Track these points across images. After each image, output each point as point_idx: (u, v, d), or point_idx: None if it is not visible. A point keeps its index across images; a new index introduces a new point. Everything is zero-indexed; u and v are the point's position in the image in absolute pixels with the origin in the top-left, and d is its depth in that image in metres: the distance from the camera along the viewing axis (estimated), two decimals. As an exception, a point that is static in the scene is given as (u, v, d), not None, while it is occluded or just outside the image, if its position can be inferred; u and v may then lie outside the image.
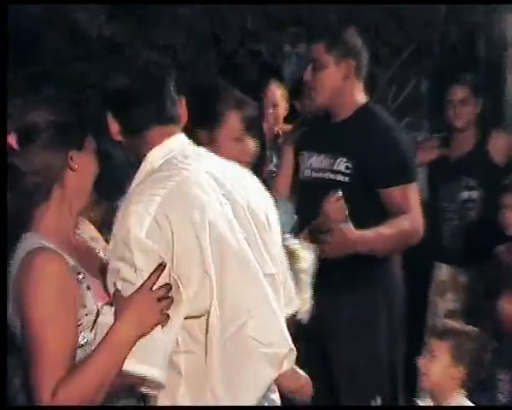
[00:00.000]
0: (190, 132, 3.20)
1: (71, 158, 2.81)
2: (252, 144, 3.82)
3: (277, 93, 6.25)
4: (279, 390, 3.44)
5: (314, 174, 4.64)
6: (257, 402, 3.10)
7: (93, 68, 7.47)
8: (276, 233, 3.32)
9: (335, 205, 4.47)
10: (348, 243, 4.41)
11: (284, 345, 3.14)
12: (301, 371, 3.68)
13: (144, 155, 3.02)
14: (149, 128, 3.01)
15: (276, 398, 3.35)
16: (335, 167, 4.61)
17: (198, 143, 3.23)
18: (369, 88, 7.10)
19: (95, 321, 2.76)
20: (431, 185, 6.58)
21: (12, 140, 2.79)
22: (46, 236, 2.78)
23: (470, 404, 4.14)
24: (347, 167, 4.54)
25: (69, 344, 2.68)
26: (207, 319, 2.94)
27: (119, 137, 3.08)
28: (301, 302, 3.93)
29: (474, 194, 6.09)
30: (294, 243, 4.24)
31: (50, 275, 2.69)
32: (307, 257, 4.25)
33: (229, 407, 3.00)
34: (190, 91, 3.77)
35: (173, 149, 3.06)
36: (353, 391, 4.65)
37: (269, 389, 3.21)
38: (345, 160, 4.58)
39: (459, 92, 6.32)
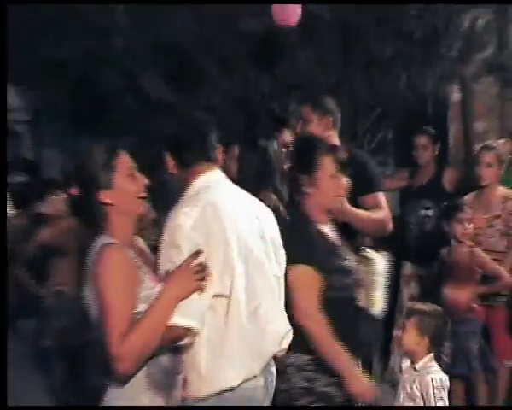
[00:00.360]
0: (294, 178, 3.66)
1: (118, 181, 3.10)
2: (345, 181, 3.80)
3: (287, 138, 6.02)
4: (347, 393, 3.61)
5: None
6: (260, 371, 3.34)
7: (155, 123, 7.70)
8: (281, 247, 3.59)
9: None
10: (344, 210, 4.41)
11: (284, 326, 3.49)
12: (365, 378, 3.76)
13: (190, 183, 3.40)
14: (195, 165, 3.41)
15: (274, 371, 3.52)
16: None
17: (301, 185, 3.63)
18: (352, 136, 7.97)
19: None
20: (400, 205, 6.77)
21: (74, 190, 3.12)
22: (112, 237, 3.04)
23: (437, 366, 4.19)
24: None
25: (130, 310, 2.90)
26: (229, 299, 3.21)
27: (174, 171, 3.47)
28: (376, 301, 4.28)
29: (430, 212, 6.34)
30: (369, 251, 4.48)
31: (116, 261, 2.93)
32: (380, 261, 4.46)
33: (228, 406, 3.17)
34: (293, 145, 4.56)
35: (211, 179, 3.41)
36: None
37: (269, 363, 3.45)
38: None
39: (421, 140, 6.60)
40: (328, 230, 3.67)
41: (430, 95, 8.03)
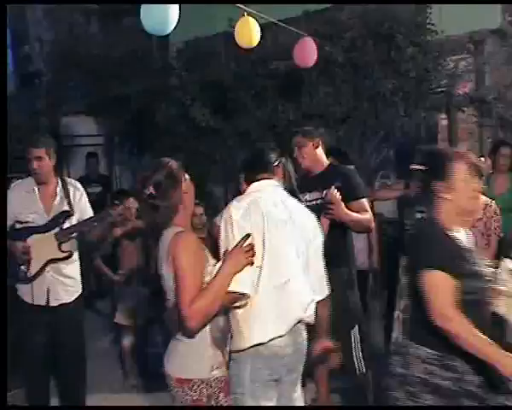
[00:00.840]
0: (429, 185, 3.42)
1: (182, 188, 3.17)
2: (480, 183, 3.41)
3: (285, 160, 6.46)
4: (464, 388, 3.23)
5: (308, 203, 4.56)
6: (286, 331, 3.35)
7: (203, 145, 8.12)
8: (315, 240, 3.60)
9: (334, 193, 4.60)
10: (341, 212, 4.58)
11: (308, 298, 3.48)
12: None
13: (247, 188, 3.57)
14: (257, 177, 3.57)
15: (304, 335, 3.53)
16: (322, 196, 4.74)
17: (436, 192, 3.36)
18: (361, 155, 7.96)
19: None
20: (399, 210, 6.64)
21: (151, 190, 3.11)
22: (180, 226, 3.11)
23: None
24: (336, 186, 4.65)
25: (199, 281, 3.00)
26: (260, 272, 3.29)
27: (243, 186, 3.62)
28: None
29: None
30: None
31: (190, 242, 3.04)
32: None
33: (227, 406, 3.14)
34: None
35: (261, 185, 3.54)
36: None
37: (299, 327, 3.46)
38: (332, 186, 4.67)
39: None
40: (462, 235, 3.42)
41: (423, 121, 8.04)
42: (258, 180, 3.57)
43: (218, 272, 3.06)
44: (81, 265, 5.03)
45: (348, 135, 7.87)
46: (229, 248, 3.20)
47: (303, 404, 3.61)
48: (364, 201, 4.93)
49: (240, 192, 3.62)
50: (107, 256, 6.25)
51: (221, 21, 7.81)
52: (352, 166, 5.59)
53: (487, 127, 8.30)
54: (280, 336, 3.35)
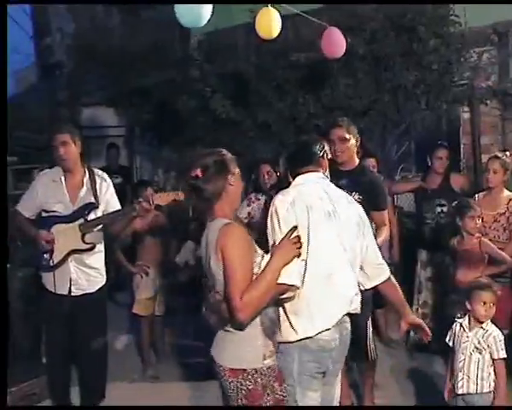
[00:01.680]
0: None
1: (229, 178, 3.17)
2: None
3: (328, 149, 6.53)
4: None
5: None
6: (333, 325, 3.37)
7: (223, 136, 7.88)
8: (362, 231, 3.57)
9: None
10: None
11: (353, 292, 3.49)
12: None
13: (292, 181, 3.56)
14: (302, 170, 3.57)
15: (348, 327, 3.53)
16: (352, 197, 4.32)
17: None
18: (382, 147, 7.93)
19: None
20: (417, 203, 6.67)
21: (198, 172, 3.12)
22: (225, 218, 3.12)
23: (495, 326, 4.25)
24: (358, 198, 4.50)
25: (249, 272, 3.02)
26: (305, 265, 3.29)
27: (286, 176, 3.63)
28: None
29: (444, 208, 6.17)
30: None
31: (241, 234, 3.06)
32: None
33: (228, 406, 3.17)
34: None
35: (307, 178, 3.54)
36: None
37: (344, 320, 3.48)
38: (356, 194, 4.60)
39: (440, 152, 6.42)
40: None
41: (445, 114, 8.02)
42: (304, 173, 3.57)
43: (267, 265, 3.06)
44: (105, 256, 5.06)
45: (369, 128, 7.76)
46: (277, 242, 3.22)
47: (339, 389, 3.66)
48: (385, 213, 4.96)
49: (285, 186, 3.61)
50: (126, 247, 6.27)
51: (242, 13, 7.80)
52: (379, 175, 5.56)
53: (510, 120, 8.20)
54: (327, 330, 3.37)
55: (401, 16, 7.35)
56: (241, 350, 3.10)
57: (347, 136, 4.88)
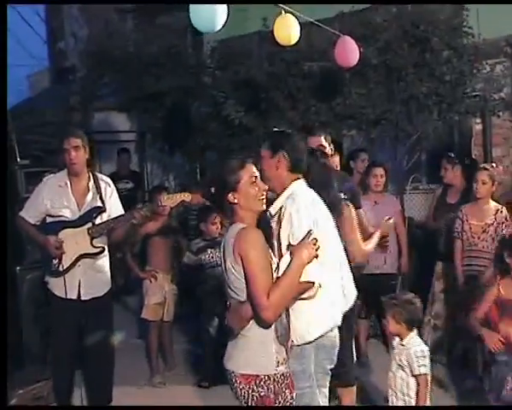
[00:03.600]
0: None
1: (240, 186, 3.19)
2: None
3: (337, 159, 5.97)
4: None
5: None
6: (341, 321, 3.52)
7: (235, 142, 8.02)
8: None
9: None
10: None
11: (354, 290, 3.71)
12: None
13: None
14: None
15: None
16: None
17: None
18: (393, 157, 7.93)
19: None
20: (434, 217, 6.55)
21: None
22: (243, 222, 3.16)
23: (419, 340, 4.18)
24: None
25: (271, 272, 3.08)
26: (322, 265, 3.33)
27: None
28: None
29: None
30: None
31: (258, 237, 3.09)
32: None
33: (229, 407, 3.27)
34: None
35: (298, 184, 3.61)
36: None
37: None
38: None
39: (444, 163, 6.42)
40: None
41: (457, 125, 8.01)
42: (295, 180, 3.62)
43: (289, 265, 3.11)
44: (110, 260, 5.09)
45: (381, 138, 7.86)
46: (296, 241, 3.27)
47: None
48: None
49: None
50: (136, 252, 6.29)
51: (255, 21, 7.87)
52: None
53: (523, 133, 8.10)
54: (337, 326, 3.55)
55: (414, 27, 7.36)
56: (255, 356, 3.08)
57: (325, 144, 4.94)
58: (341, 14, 7.89)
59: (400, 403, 4.13)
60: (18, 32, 12.27)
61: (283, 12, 5.54)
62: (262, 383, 3.05)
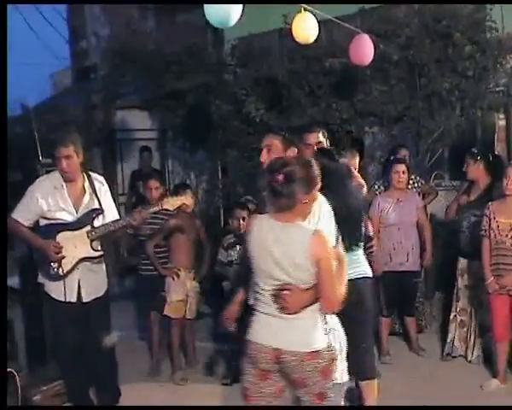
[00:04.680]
0: None
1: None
2: None
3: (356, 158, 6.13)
4: None
5: None
6: None
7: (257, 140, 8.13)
8: None
9: None
10: None
11: None
12: None
13: None
14: None
15: None
16: None
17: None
18: (415, 154, 7.83)
19: None
20: (456, 213, 6.43)
21: (281, 177, 3.29)
22: (301, 222, 3.39)
23: None
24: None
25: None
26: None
27: None
28: None
29: (479, 220, 5.80)
30: None
31: (328, 240, 3.38)
32: None
33: (230, 407, 3.53)
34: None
35: None
36: None
37: None
38: None
39: (467, 159, 6.28)
40: None
41: (480, 121, 7.89)
42: None
43: (340, 261, 3.41)
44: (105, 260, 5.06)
45: (402, 134, 7.82)
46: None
47: None
48: None
49: None
50: (158, 249, 6.29)
51: (275, 18, 7.85)
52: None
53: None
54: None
55: (436, 22, 7.31)
56: (315, 333, 3.36)
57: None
58: (362, 11, 7.86)
59: None
60: (41, 31, 12.43)
61: (303, 9, 5.52)
62: (323, 354, 3.35)
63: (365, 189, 5.29)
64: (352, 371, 4.06)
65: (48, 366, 5.59)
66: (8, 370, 4.74)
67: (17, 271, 6.32)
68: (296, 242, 3.28)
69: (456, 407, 4.99)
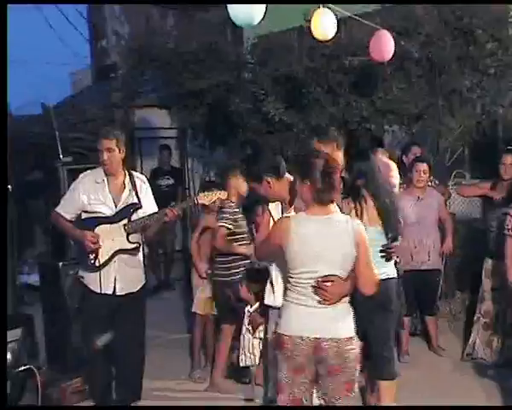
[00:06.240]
0: None
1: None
2: None
3: (379, 154, 6.07)
4: None
5: None
6: None
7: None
8: None
9: None
10: None
11: None
12: None
13: None
14: None
15: None
16: None
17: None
18: (435, 152, 7.79)
19: None
20: (484, 213, 6.49)
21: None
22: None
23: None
24: None
25: None
26: None
27: None
28: None
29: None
30: None
31: None
32: None
33: (230, 406, 3.53)
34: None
35: None
36: None
37: None
38: None
39: (509, 158, 6.17)
40: None
41: (501, 119, 7.81)
42: None
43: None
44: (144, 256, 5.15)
45: (422, 133, 7.76)
46: None
47: None
48: None
49: None
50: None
51: (295, 16, 7.83)
52: None
53: None
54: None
55: (457, 19, 7.26)
56: (349, 320, 3.54)
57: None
58: (382, 8, 7.84)
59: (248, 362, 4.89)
60: (61, 31, 12.51)
61: (321, 6, 5.50)
62: (355, 340, 3.52)
63: (397, 188, 5.37)
64: (372, 371, 4.04)
65: (68, 363, 5.62)
66: (29, 367, 4.79)
67: (37, 269, 6.38)
68: (343, 231, 3.45)
69: (456, 407, 4.95)
